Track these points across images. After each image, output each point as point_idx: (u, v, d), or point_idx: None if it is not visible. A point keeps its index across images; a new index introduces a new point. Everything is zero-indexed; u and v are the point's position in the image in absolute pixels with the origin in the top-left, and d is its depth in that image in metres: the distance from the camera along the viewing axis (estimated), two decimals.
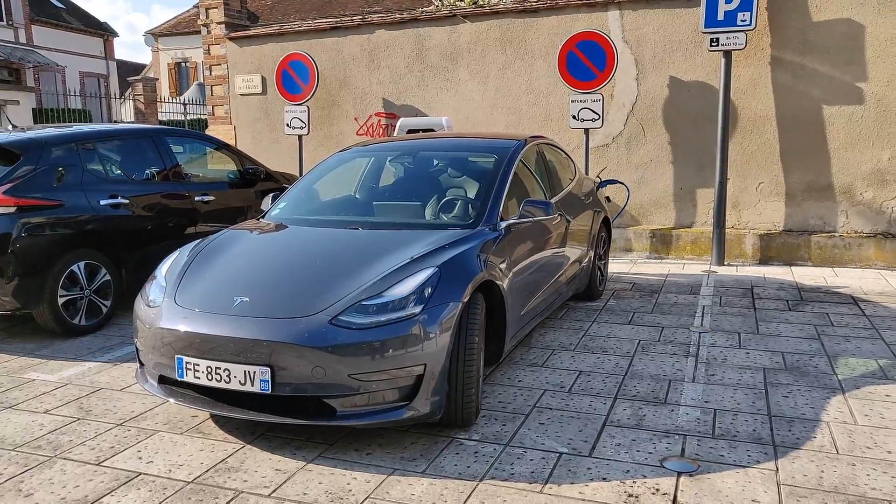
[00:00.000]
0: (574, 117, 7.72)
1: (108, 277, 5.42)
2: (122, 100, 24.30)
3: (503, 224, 3.99)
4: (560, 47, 7.62)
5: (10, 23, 25.19)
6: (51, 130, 5.67)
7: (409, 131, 8.05)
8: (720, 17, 7.05)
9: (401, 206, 4.24)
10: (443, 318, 3.13)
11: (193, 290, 3.44)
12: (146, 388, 3.52)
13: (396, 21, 8.80)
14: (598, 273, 6.07)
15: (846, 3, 7.08)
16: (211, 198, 6.34)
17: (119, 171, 5.76)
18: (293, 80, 8.98)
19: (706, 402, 3.78)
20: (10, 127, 5.80)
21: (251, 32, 9.68)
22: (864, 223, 7.27)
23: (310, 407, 3.11)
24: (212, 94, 10.14)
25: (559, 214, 5.01)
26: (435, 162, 4.64)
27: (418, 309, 3.09)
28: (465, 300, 3.25)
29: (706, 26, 7.09)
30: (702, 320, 5.38)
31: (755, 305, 5.79)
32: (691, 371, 4.25)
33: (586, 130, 7.79)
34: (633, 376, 4.18)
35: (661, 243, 7.90)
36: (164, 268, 3.76)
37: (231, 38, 9.81)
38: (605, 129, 8.04)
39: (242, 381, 3.07)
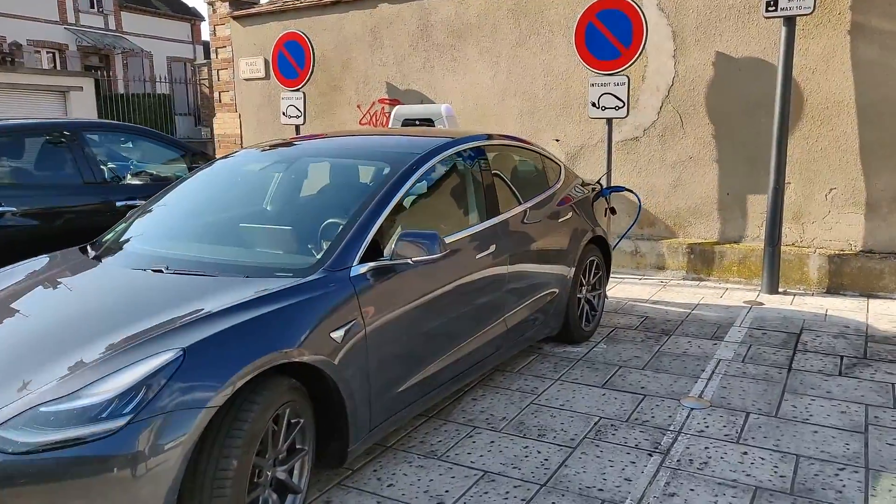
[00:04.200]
0: (594, 104, 6.29)
1: None
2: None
3: (362, 268, 2.83)
4: (578, 19, 6.21)
5: (100, 10, 25.99)
6: None
7: (405, 121, 6.96)
8: None
9: (238, 237, 3.15)
10: (168, 435, 2.04)
11: None
12: None
13: None
14: (587, 308, 4.74)
15: None
16: (141, 202, 5.51)
17: (8, 175, 4.97)
18: (289, 64, 8.05)
19: None
20: None
21: (254, 11, 8.83)
22: None
23: None
24: (218, 80, 9.42)
25: (526, 229, 3.77)
26: (314, 174, 3.51)
27: (123, 421, 2.01)
28: (219, 404, 2.14)
29: None
30: (705, 386, 3.96)
31: (793, 363, 4.28)
32: (643, 484, 2.93)
33: (609, 121, 6.35)
34: (555, 489, 2.91)
35: (701, 261, 6.36)
36: None
37: (235, 18, 9.01)
38: (634, 118, 6.56)
39: None
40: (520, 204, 4.03)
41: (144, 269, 2.87)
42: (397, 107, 7.15)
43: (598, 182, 5.13)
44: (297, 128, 8.18)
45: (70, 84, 16.13)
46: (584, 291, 4.71)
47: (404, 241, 2.84)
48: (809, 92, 5.81)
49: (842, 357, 4.37)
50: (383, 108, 8.05)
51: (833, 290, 5.83)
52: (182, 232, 3.29)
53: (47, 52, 24.22)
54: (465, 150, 3.75)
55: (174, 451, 2.04)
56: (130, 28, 26.82)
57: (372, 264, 2.85)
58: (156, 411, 2.04)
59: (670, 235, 6.58)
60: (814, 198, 5.91)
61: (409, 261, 2.88)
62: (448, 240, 3.30)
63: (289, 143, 3.90)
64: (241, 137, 9.26)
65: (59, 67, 23.91)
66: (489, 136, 4.23)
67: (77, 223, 5.13)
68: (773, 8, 5.48)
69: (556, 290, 4.28)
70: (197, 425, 2.08)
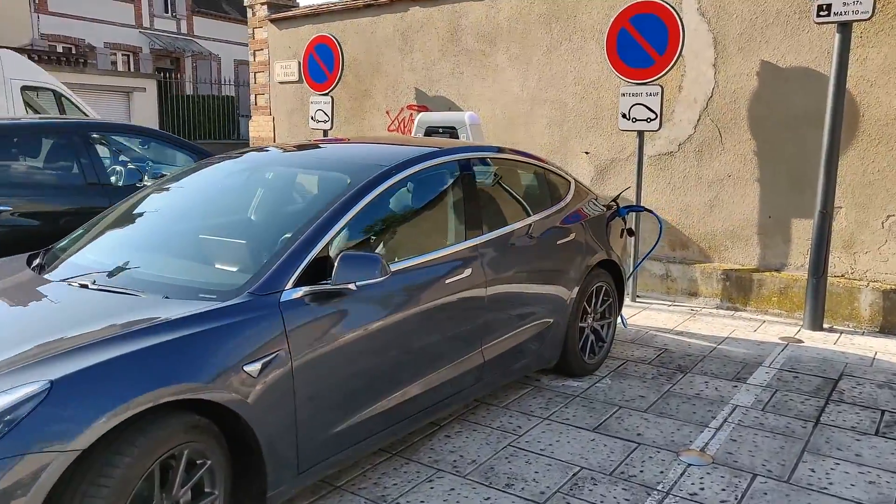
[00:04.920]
0: (624, 116, 5.86)
1: None
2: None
3: (296, 292, 2.54)
4: (610, 24, 5.79)
5: (174, 15, 26.89)
6: None
7: (429, 129, 6.69)
8: None
9: (177, 251, 2.89)
10: (19, 481, 1.78)
11: None
12: None
13: None
14: (592, 339, 4.32)
15: None
16: None
17: (9, 174, 4.86)
18: (319, 67, 7.91)
19: None
20: None
21: (290, 13, 8.74)
22: None
23: None
24: (255, 82, 9.39)
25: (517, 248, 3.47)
26: (272, 185, 3.25)
27: None
28: (82, 447, 1.88)
29: None
30: (711, 437, 3.49)
31: (822, 416, 3.74)
32: None
33: (640, 134, 5.90)
34: None
35: (738, 290, 5.80)
36: None
37: (272, 20, 8.95)
38: (669, 131, 6.07)
39: None
40: (510, 224, 3.67)
41: (71, 284, 2.67)
42: (421, 114, 6.88)
43: (613, 200, 4.70)
44: (325, 132, 8.02)
45: (133, 85, 16.65)
46: (589, 320, 4.30)
47: (343, 263, 2.55)
48: (867, 106, 5.20)
49: (883, 412, 3.80)
50: (411, 114, 7.79)
51: (887, 329, 5.19)
52: (129, 243, 3.08)
53: (122, 55, 25.21)
54: (448, 164, 3.42)
55: (21, 500, 1.80)
56: (201, 32, 27.64)
57: (307, 288, 2.56)
58: (7, 452, 1.80)
59: (704, 259, 6.04)
60: (868, 225, 5.28)
61: (350, 286, 2.58)
62: (411, 262, 3.00)
63: (260, 150, 3.67)
64: (274, 141, 9.20)
65: (132, 69, 24.85)
66: (500, 150, 3.93)
67: (77, 225, 5.05)
68: (826, 13, 4.91)
69: (551, 320, 3.89)
70: (52, 471, 1.84)
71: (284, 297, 2.50)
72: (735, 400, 3.96)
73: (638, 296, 6.22)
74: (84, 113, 10.45)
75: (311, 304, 2.57)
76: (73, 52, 21.95)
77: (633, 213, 5.91)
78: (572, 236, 4.05)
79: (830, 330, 5.27)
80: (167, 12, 26.60)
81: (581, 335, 4.22)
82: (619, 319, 4.80)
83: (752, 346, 4.90)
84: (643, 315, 5.70)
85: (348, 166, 3.14)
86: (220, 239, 2.90)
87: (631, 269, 5.89)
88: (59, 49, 22.13)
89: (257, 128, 9.33)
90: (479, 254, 3.36)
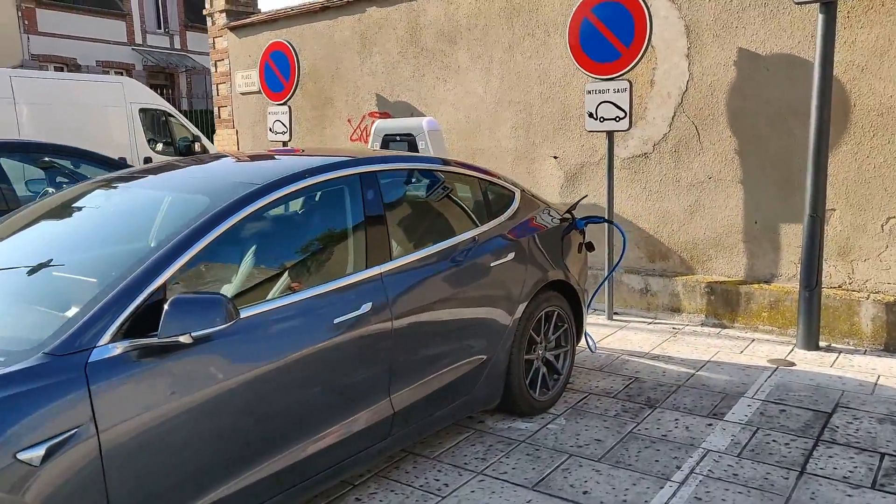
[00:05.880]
0: (591, 115, 5.30)
1: None
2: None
3: (113, 349, 2.01)
4: (572, 15, 5.26)
5: (167, 30, 26.65)
6: None
7: (386, 137, 6.19)
8: None
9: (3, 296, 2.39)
10: None
11: None
12: None
13: None
14: (544, 371, 3.76)
15: None
16: None
17: None
18: (275, 76, 7.43)
19: None
20: None
21: (248, 21, 8.28)
22: None
23: None
24: (217, 94, 8.93)
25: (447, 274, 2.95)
26: (123, 213, 2.72)
27: None
28: None
29: None
30: (672, 495, 2.91)
31: (808, 462, 3.15)
32: None
33: (609, 134, 5.34)
34: None
35: (724, 304, 5.21)
36: None
37: (231, 29, 8.49)
38: (642, 131, 5.50)
39: None
40: (430, 246, 3.13)
41: None
42: (377, 122, 6.37)
43: (569, 211, 4.14)
44: (284, 144, 7.53)
45: None
46: (539, 351, 3.74)
47: (173, 309, 2.02)
48: (858, 95, 4.61)
49: (882, 456, 3.20)
50: (373, 121, 7.28)
51: (893, 347, 4.58)
52: None
53: (115, 73, 24.98)
54: (346, 179, 2.88)
55: None
56: (195, 47, 27.36)
57: (128, 344, 2.03)
58: None
59: (686, 271, 5.45)
60: (865, 229, 4.67)
61: (180, 338, 2.05)
62: (281, 302, 2.46)
63: (147, 168, 3.15)
64: None
65: None
66: (444, 162, 3.46)
67: None
68: None
69: (485, 356, 3.33)
70: None
71: (95, 356, 1.98)
72: (707, 443, 3.38)
73: (615, 313, 5.64)
74: (189, 131, 11.73)
75: (138, 362, 2.04)
76: (65, 70, 21.73)
77: (604, 225, 5.36)
78: (512, 256, 3.50)
79: (827, 349, 4.67)
80: (160, 28, 26.36)
81: (529, 369, 3.66)
82: (586, 343, 4.25)
83: (736, 372, 4.31)
84: (618, 336, 5.12)
85: (213, 186, 2.62)
86: (37, 284, 2.38)
87: (594, 289, 5.32)
88: (52, 69, 21.92)
89: (221, 141, 8.88)
90: (383, 285, 2.82)
